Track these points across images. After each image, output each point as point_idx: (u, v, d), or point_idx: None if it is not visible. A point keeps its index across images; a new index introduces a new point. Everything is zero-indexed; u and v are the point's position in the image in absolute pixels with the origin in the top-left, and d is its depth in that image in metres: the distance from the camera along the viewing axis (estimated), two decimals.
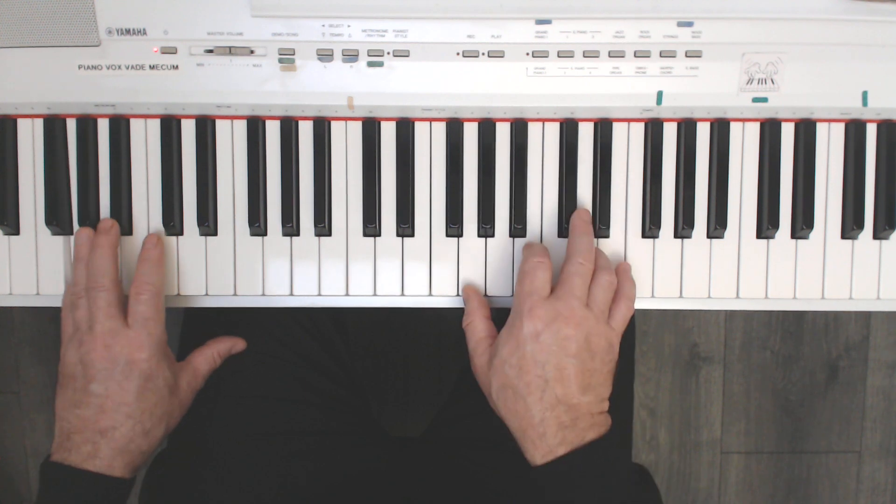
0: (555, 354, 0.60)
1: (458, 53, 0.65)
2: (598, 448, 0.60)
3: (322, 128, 0.69)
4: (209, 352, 0.71)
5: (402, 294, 0.70)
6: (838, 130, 0.70)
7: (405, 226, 0.69)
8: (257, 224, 0.69)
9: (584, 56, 0.65)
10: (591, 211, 0.68)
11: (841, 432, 1.49)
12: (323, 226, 0.69)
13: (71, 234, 0.69)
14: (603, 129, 0.69)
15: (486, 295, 0.69)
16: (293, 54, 0.65)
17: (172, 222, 0.69)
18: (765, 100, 0.67)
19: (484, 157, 0.69)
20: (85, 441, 0.63)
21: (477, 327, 0.66)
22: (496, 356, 0.62)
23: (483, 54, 0.65)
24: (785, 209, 0.70)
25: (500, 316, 0.67)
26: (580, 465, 0.59)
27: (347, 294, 0.70)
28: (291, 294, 0.70)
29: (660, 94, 0.66)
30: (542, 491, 0.61)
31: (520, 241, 0.69)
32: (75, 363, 0.64)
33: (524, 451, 0.62)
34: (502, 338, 0.62)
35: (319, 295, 0.70)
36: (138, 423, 0.64)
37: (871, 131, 0.70)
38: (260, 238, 0.69)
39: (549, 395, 0.60)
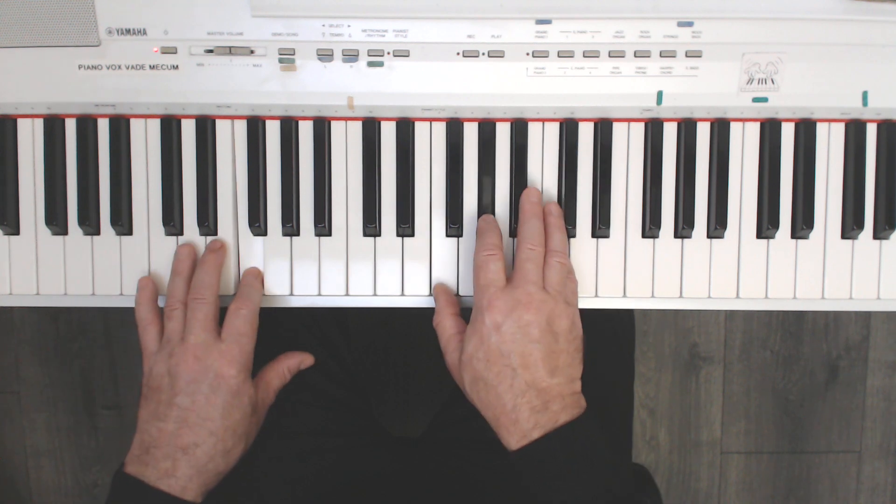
0: (518, 342, 0.60)
1: (458, 53, 0.65)
2: (572, 429, 0.60)
3: (322, 128, 0.69)
4: (280, 367, 0.71)
5: (402, 294, 0.70)
6: (838, 130, 0.70)
7: (405, 226, 0.69)
8: (257, 224, 0.69)
9: (584, 56, 0.65)
10: (539, 190, 0.68)
11: (841, 432, 1.49)
12: (323, 226, 0.69)
13: (68, 234, 0.69)
14: (603, 129, 0.69)
15: None
16: (293, 54, 0.65)
17: (172, 222, 0.69)
18: (765, 100, 0.67)
19: (484, 158, 0.69)
20: (165, 457, 0.62)
21: (445, 325, 0.66)
22: (464, 352, 0.63)
23: (483, 54, 0.65)
24: (785, 209, 0.70)
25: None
26: (555, 446, 0.60)
27: (347, 294, 0.70)
28: (291, 294, 0.70)
29: (660, 94, 0.66)
30: (520, 476, 0.61)
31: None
32: (163, 374, 0.64)
33: (500, 439, 0.62)
34: (468, 333, 0.63)
35: (319, 295, 0.70)
36: (220, 442, 0.63)
37: (871, 131, 0.70)
38: (260, 238, 0.69)
39: (518, 383, 0.60)
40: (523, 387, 0.60)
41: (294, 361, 0.72)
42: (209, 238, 0.69)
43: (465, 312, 0.69)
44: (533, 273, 0.63)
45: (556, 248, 0.65)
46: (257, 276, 0.69)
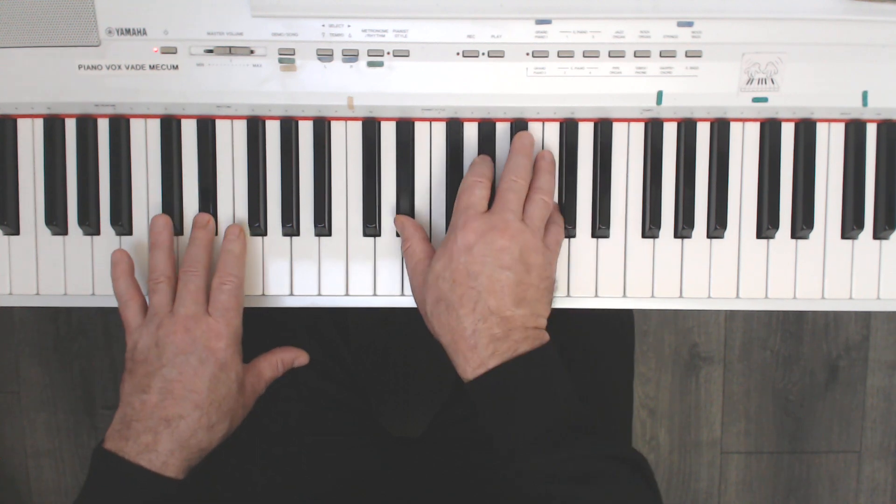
0: (488, 266, 0.60)
1: (458, 53, 0.65)
2: (530, 360, 0.59)
3: (322, 128, 0.69)
4: (274, 358, 0.70)
5: (402, 294, 0.70)
6: (838, 130, 0.70)
7: None
8: (257, 224, 0.69)
9: (584, 56, 0.65)
10: (533, 137, 0.67)
11: (841, 432, 1.49)
12: (323, 226, 0.69)
13: (68, 234, 0.69)
14: (603, 129, 0.69)
15: None
16: (293, 54, 0.65)
17: (172, 222, 0.68)
18: (765, 100, 0.67)
19: None
20: (146, 430, 0.61)
21: (416, 249, 0.65)
22: (430, 272, 0.62)
23: (483, 54, 0.65)
24: (785, 209, 0.70)
25: None
26: (512, 376, 0.59)
27: (347, 294, 0.70)
28: (291, 294, 0.70)
29: (660, 94, 0.66)
30: (478, 406, 0.60)
31: None
32: (150, 346, 0.63)
33: (456, 367, 0.61)
34: (437, 253, 0.62)
35: (319, 295, 0.70)
36: (204, 416, 0.62)
37: (871, 131, 0.70)
38: (260, 238, 0.69)
39: (481, 307, 0.59)
40: (486, 312, 0.59)
41: (289, 356, 0.71)
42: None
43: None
44: (513, 203, 0.62)
45: (542, 186, 0.64)
46: (237, 238, 0.67)
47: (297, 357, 0.72)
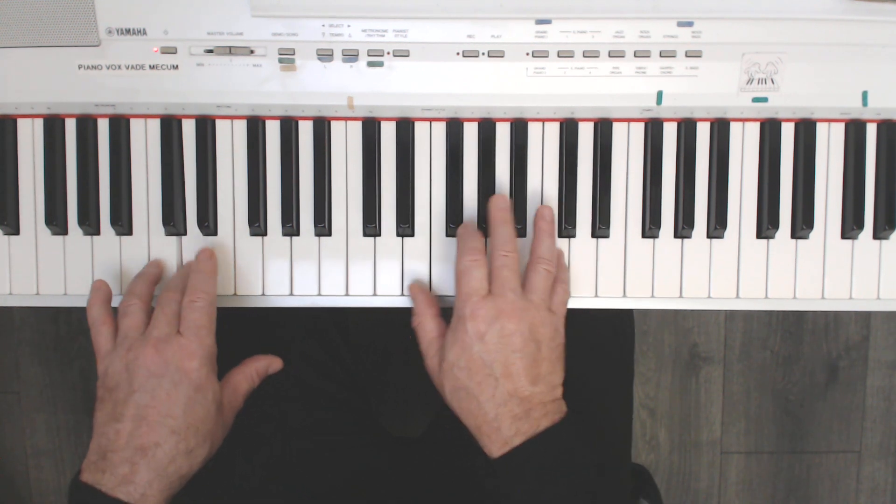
0: (501, 352, 0.60)
1: (458, 53, 0.65)
2: (553, 434, 0.60)
3: (322, 128, 0.69)
4: (248, 370, 0.69)
5: (402, 294, 0.70)
6: (838, 130, 0.70)
7: (405, 226, 0.69)
8: (257, 224, 0.69)
9: (584, 56, 0.65)
10: (507, 196, 0.68)
11: (841, 432, 1.49)
12: (323, 226, 0.69)
13: (68, 234, 0.69)
14: (603, 129, 0.69)
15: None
16: (293, 54, 0.65)
17: (172, 222, 0.69)
18: (765, 100, 0.67)
19: (484, 158, 0.69)
20: (122, 461, 0.59)
21: (427, 327, 0.66)
22: (445, 360, 0.63)
23: (483, 54, 0.65)
24: (785, 209, 0.70)
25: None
26: (537, 452, 0.60)
27: (347, 294, 0.70)
28: (291, 294, 0.70)
29: (660, 94, 0.66)
30: (504, 483, 0.61)
31: (520, 241, 0.69)
32: (120, 371, 0.62)
33: (483, 447, 0.62)
34: (448, 341, 0.63)
35: (319, 295, 0.70)
36: (182, 441, 0.60)
37: (871, 131, 0.70)
38: (260, 238, 0.69)
39: (500, 392, 0.60)
40: (505, 396, 0.60)
41: (262, 364, 0.70)
42: (209, 238, 0.69)
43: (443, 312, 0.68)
44: (511, 280, 0.62)
45: (543, 255, 0.65)
46: (209, 259, 0.67)
47: (270, 364, 0.70)
